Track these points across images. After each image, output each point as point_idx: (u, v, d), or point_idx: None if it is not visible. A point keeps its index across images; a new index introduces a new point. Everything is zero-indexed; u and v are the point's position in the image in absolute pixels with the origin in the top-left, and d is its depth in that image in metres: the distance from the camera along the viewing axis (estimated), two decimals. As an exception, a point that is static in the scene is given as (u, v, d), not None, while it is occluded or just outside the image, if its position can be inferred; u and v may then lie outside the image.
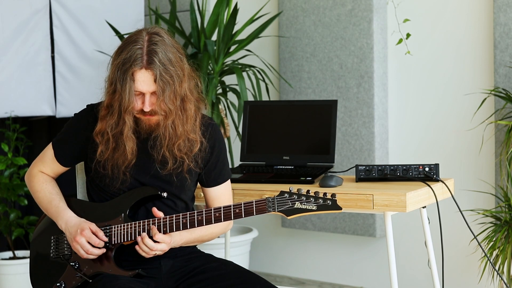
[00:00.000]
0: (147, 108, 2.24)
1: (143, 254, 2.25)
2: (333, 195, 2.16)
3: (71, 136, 2.39)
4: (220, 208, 2.23)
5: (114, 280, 2.22)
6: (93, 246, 2.27)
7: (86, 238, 2.26)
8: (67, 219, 2.33)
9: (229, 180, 2.49)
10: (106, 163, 2.30)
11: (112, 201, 2.34)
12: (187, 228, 2.26)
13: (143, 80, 2.21)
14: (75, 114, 2.42)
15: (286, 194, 2.19)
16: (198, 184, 2.48)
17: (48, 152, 2.43)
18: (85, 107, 2.41)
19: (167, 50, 2.25)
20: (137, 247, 2.26)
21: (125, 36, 2.36)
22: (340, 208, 2.16)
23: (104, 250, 2.29)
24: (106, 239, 2.28)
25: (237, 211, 2.21)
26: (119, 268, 2.29)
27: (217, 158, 2.42)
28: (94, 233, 2.28)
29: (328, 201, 2.16)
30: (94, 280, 2.29)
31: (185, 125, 2.30)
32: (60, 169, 2.45)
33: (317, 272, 4.36)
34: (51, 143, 2.43)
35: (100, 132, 2.29)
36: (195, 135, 2.33)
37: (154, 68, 2.21)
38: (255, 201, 2.20)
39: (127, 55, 2.21)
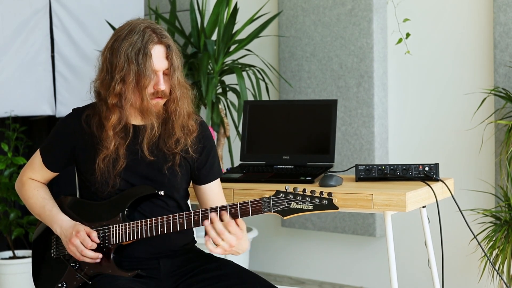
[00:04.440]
0: (162, 86, 2.26)
1: (210, 247, 2.17)
2: (329, 194, 2.14)
3: (58, 142, 2.38)
4: (217, 208, 2.23)
5: (114, 280, 2.22)
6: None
7: (80, 240, 2.26)
8: (61, 223, 2.32)
9: (219, 179, 2.48)
10: (99, 166, 2.29)
11: (109, 200, 2.33)
12: (184, 228, 2.25)
13: (158, 57, 2.25)
14: (60, 119, 2.41)
15: (281, 194, 2.17)
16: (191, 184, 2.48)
17: (37, 158, 2.42)
18: (71, 111, 2.41)
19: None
20: (205, 238, 2.19)
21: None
22: (336, 208, 2.14)
23: (99, 255, 2.28)
24: (98, 240, 2.28)
25: (233, 211, 2.21)
26: (118, 268, 2.29)
27: (207, 156, 2.41)
28: (88, 234, 2.27)
29: (325, 201, 2.14)
30: (93, 280, 2.28)
31: (188, 105, 2.34)
32: (49, 174, 2.44)
33: (317, 272, 4.36)
34: (38, 150, 2.43)
35: (116, 122, 2.27)
36: (193, 123, 2.36)
37: (167, 41, 2.27)
38: (251, 201, 2.19)
39: (136, 36, 2.24)
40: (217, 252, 2.20)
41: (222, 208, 2.21)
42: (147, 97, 2.25)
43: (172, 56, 2.27)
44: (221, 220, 2.19)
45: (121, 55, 2.23)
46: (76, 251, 2.27)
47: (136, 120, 2.33)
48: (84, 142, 2.33)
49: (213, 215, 2.19)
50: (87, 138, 2.33)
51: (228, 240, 2.18)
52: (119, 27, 2.31)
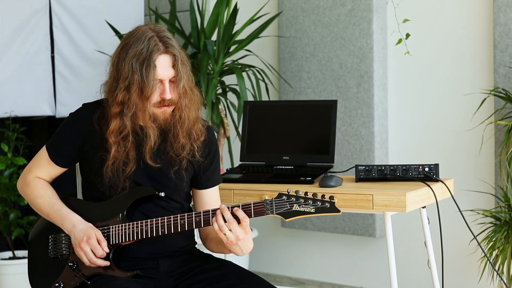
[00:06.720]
0: (168, 95, 2.25)
1: (220, 233, 2.17)
2: (332, 197, 2.14)
3: (67, 136, 2.36)
4: (218, 210, 2.22)
5: (112, 280, 2.22)
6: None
7: (91, 247, 2.25)
8: (74, 222, 2.30)
9: (218, 186, 2.48)
10: (110, 168, 2.29)
11: (109, 200, 2.33)
12: (185, 229, 2.25)
13: (164, 66, 2.24)
14: (70, 114, 2.39)
15: (284, 196, 2.17)
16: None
17: (43, 155, 2.39)
18: (81, 106, 2.40)
19: (172, 36, 2.31)
20: (214, 223, 2.19)
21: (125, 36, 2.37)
22: (338, 211, 2.14)
23: (107, 263, 2.27)
24: (107, 250, 2.26)
25: None
26: (117, 268, 2.29)
27: (211, 161, 2.41)
28: (98, 242, 2.26)
29: (327, 204, 2.14)
30: (92, 280, 2.28)
31: (195, 112, 2.33)
32: (56, 171, 2.40)
33: (317, 272, 4.36)
34: (44, 146, 2.41)
35: (117, 129, 2.27)
36: (200, 128, 2.35)
37: (173, 51, 2.24)
38: (253, 203, 2.20)
39: (142, 45, 2.23)
40: (223, 239, 2.18)
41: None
42: (150, 106, 2.25)
43: (178, 65, 2.25)
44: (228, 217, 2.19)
45: (126, 64, 2.24)
46: (84, 256, 2.26)
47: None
48: (93, 139, 2.32)
49: (223, 205, 2.20)
50: (97, 137, 2.32)
51: (236, 231, 2.17)
52: (128, 33, 2.30)
